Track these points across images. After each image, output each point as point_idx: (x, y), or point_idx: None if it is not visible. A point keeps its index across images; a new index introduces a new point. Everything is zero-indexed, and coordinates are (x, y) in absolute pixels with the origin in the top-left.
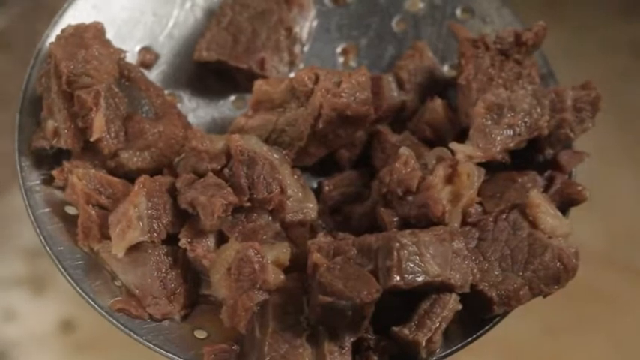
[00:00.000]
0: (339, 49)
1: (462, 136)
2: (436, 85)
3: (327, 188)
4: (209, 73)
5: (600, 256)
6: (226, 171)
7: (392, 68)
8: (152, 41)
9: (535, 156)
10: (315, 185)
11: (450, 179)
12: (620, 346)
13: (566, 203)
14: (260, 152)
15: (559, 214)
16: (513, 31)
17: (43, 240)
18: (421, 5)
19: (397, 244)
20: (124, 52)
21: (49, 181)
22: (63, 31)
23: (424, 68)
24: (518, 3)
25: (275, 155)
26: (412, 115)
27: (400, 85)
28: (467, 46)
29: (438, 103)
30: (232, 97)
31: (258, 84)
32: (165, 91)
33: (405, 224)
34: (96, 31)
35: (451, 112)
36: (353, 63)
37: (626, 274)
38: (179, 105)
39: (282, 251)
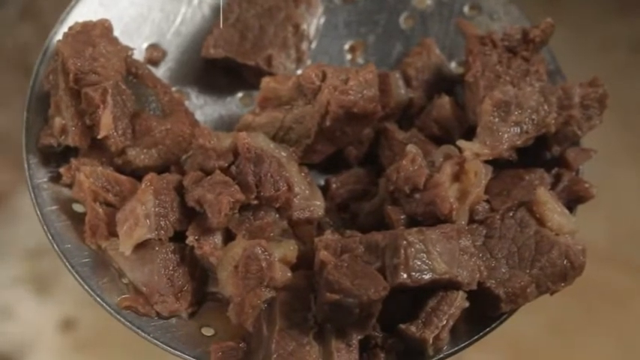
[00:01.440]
0: (346, 46)
1: (469, 134)
2: (443, 82)
3: (334, 185)
4: (216, 70)
5: (605, 253)
6: (234, 168)
7: (399, 65)
8: (159, 38)
9: (542, 153)
10: (322, 182)
11: (457, 177)
12: (626, 343)
13: (573, 200)
14: (267, 150)
15: (566, 211)
16: (521, 28)
17: (50, 237)
18: (429, 2)
19: (404, 242)
20: (132, 49)
21: (56, 178)
22: (70, 28)
23: (432, 65)
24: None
25: (282, 153)
26: (419, 113)
27: (407, 82)
28: (474, 43)
29: (445, 101)
30: (240, 94)
31: (266, 81)
32: (173, 88)
33: (412, 222)
34: (103, 28)
35: (458, 110)
36: (360, 60)
37: (631, 272)
38: (186, 102)
39: (290, 249)
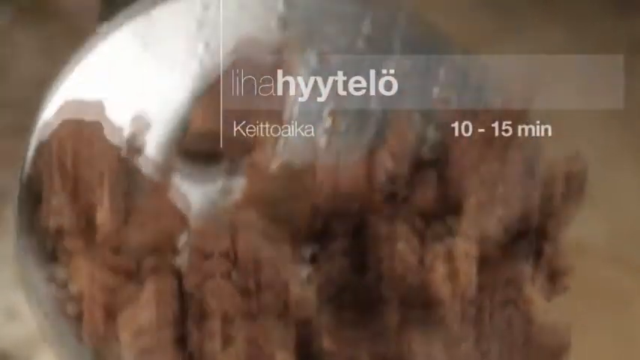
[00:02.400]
0: (325, 112)
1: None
2: (424, 162)
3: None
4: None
5: (605, 254)
6: (234, 274)
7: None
8: (144, 110)
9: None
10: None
11: (448, 260)
12: (626, 344)
13: (555, 273)
14: (263, 246)
15: (552, 298)
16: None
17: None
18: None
19: None
20: (122, 148)
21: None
22: (61, 125)
23: (408, 150)
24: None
25: (275, 234)
26: (405, 199)
27: (388, 174)
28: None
29: (430, 177)
30: (224, 165)
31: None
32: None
33: (403, 303)
34: (95, 129)
35: (444, 185)
36: (342, 126)
37: (631, 272)
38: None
39: None
